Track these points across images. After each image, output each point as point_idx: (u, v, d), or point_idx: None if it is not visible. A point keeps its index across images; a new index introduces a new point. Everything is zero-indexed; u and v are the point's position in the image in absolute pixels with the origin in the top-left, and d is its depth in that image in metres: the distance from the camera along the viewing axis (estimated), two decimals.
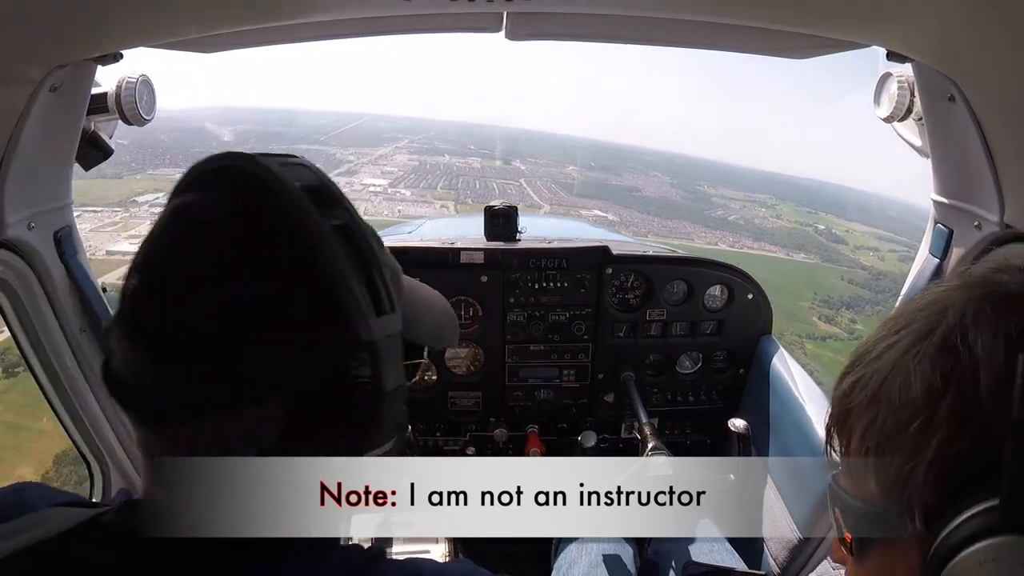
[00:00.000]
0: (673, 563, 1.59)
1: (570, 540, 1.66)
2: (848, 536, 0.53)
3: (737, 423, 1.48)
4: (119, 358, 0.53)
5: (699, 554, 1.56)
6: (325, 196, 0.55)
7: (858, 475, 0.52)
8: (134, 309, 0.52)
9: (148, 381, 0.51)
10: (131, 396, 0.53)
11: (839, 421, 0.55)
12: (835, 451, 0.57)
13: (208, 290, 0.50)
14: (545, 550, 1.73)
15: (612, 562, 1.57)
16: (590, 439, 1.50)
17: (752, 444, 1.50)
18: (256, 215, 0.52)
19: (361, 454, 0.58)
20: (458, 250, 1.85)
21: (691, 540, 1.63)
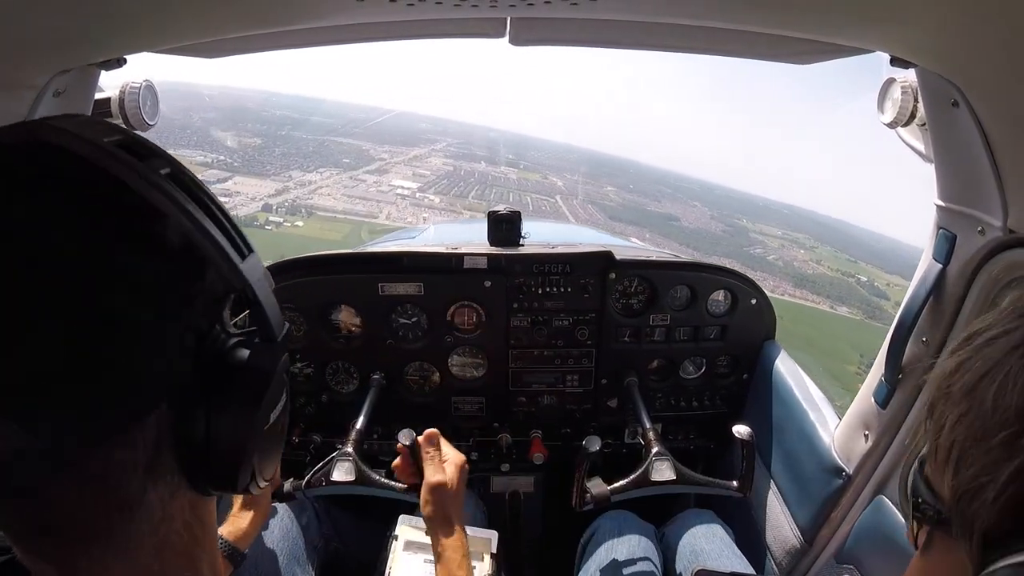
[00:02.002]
0: (678, 548, 1.64)
1: (600, 516, 1.71)
2: (916, 526, 0.51)
3: (741, 430, 1.48)
4: None
5: (707, 556, 1.56)
6: (139, 148, 0.47)
7: (939, 468, 0.48)
8: None
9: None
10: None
11: (935, 402, 0.50)
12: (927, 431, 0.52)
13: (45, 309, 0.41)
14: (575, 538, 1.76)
15: (635, 537, 1.62)
16: (594, 443, 1.49)
17: (756, 450, 1.50)
18: (71, 195, 0.43)
19: (259, 424, 0.51)
20: (462, 255, 1.85)
21: (697, 532, 1.63)
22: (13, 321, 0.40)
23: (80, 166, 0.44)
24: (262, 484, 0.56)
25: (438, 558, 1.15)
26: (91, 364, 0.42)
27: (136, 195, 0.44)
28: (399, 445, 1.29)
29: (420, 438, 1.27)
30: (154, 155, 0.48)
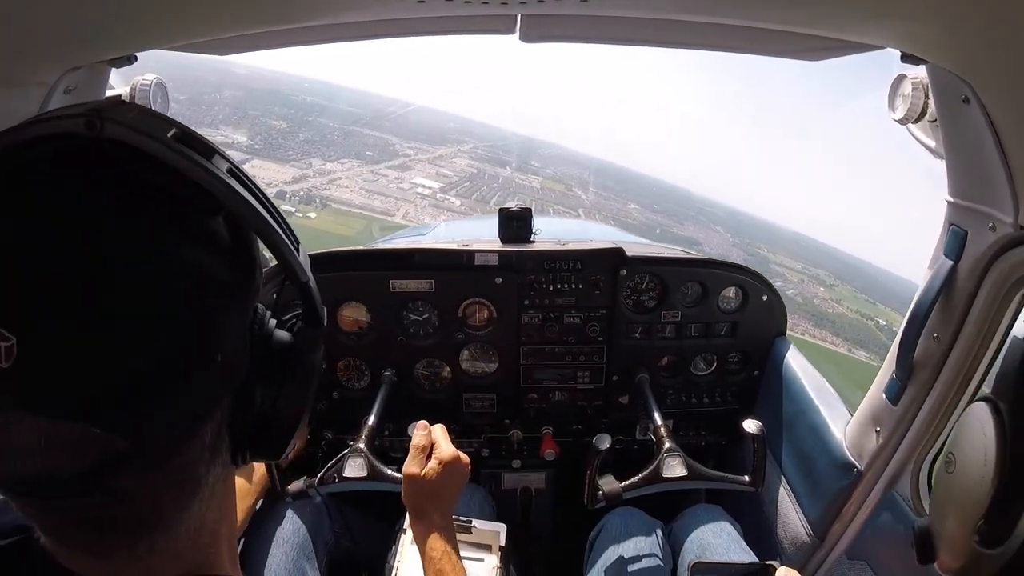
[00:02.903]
0: (686, 543, 1.64)
1: (608, 513, 1.71)
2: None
3: (751, 425, 1.48)
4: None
5: (715, 551, 1.56)
6: (197, 144, 0.48)
7: None
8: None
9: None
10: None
11: None
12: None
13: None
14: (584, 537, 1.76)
15: (643, 534, 1.62)
16: (604, 441, 1.49)
17: (767, 445, 1.50)
18: (136, 193, 0.44)
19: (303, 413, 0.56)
20: (472, 252, 1.85)
21: (705, 528, 1.63)
22: (105, 328, 0.41)
23: (151, 165, 0.44)
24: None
25: (421, 554, 1.14)
26: (182, 363, 0.43)
27: (206, 193, 0.45)
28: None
29: (414, 428, 1.25)
30: (213, 151, 0.48)
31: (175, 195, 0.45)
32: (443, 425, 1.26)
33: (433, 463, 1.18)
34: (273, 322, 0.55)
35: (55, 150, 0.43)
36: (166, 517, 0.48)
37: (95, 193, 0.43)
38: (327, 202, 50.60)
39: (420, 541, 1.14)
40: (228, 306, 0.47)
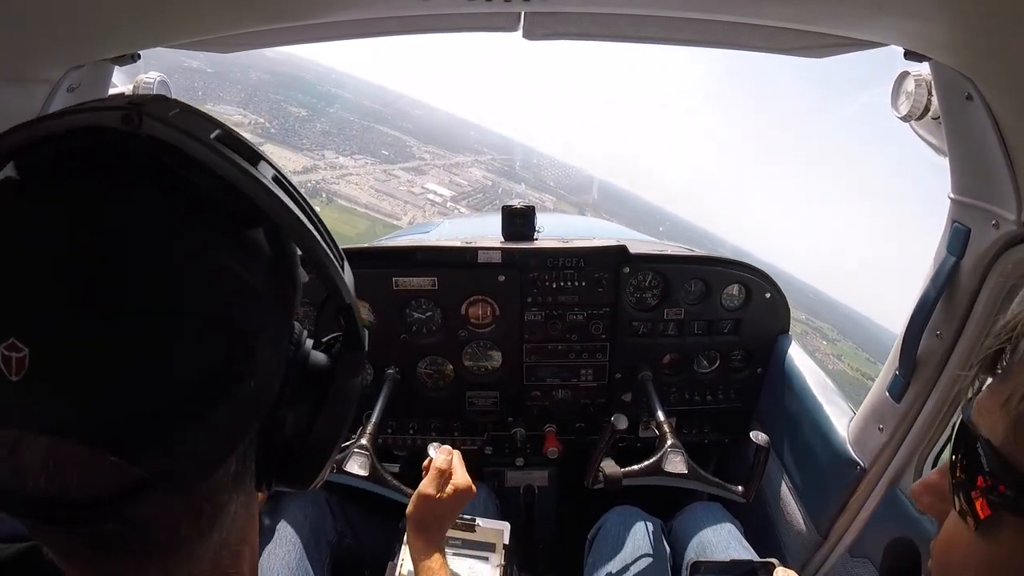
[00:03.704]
0: (686, 541, 1.64)
1: (608, 511, 1.71)
2: (984, 505, 0.47)
3: (759, 436, 1.49)
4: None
5: (714, 549, 1.56)
6: (242, 148, 0.44)
7: (1000, 415, 0.45)
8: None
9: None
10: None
11: (997, 354, 0.48)
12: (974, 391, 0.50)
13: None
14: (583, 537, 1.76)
15: (641, 531, 1.62)
16: (622, 421, 1.48)
17: (771, 445, 1.50)
18: (183, 198, 0.40)
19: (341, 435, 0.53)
20: (475, 249, 1.85)
21: (705, 526, 1.64)
22: (130, 344, 0.36)
23: (191, 167, 0.41)
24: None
25: (416, 564, 1.16)
26: (214, 386, 0.39)
27: (247, 201, 0.42)
28: (426, 462, 1.28)
29: (435, 452, 1.28)
30: (259, 156, 0.45)
31: (214, 201, 0.41)
32: (460, 454, 1.29)
33: (449, 488, 1.20)
34: (310, 343, 0.51)
35: (88, 144, 0.40)
36: (184, 544, 0.45)
37: (127, 192, 0.40)
38: (333, 197, 49.41)
39: (418, 553, 1.17)
40: (265, 326, 0.43)
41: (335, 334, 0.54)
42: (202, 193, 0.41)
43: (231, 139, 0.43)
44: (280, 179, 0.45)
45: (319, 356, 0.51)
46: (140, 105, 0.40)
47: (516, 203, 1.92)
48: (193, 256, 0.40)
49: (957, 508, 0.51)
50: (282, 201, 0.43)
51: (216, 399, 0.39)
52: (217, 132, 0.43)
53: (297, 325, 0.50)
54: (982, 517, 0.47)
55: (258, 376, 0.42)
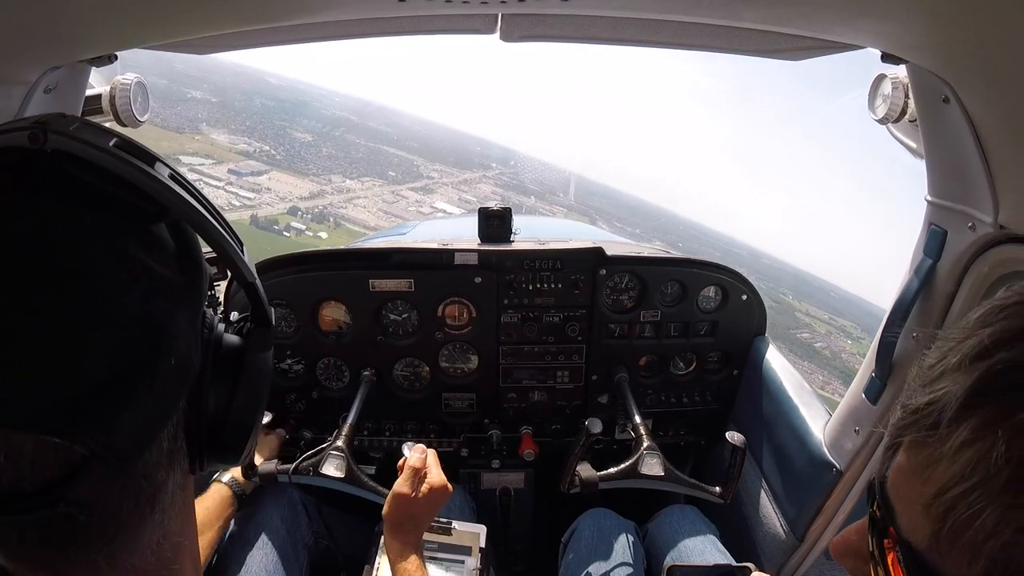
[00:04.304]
0: (662, 545, 1.65)
1: (581, 515, 1.72)
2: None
3: (735, 437, 1.49)
4: None
5: (691, 553, 1.57)
6: (134, 150, 0.48)
7: (951, 537, 0.43)
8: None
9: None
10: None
11: (917, 421, 0.46)
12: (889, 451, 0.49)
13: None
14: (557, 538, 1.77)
15: (615, 535, 1.63)
16: (596, 425, 1.48)
17: (747, 449, 1.50)
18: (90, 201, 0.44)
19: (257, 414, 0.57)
20: (452, 251, 1.85)
21: (681, 529, 1.64)
22: (56, 336, 0.40)
23: (96, 174, 0.44)
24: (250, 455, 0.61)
25: (392, 565, 1.17)
26: (137, 367, 0.43)
27: (149, 198, 0.46)
28: (401, 461, 1.29)
29: (409, 451, 1.29)
30: (155, 158, 0.48)
31: (120, 201, 0.45)
32: (435, 452, 1.30)
33: (424, 487, 1.21)
34: (223, 326, 0.56)
35: (2, 164, 0.44)
36: (127, 526, 0.47)
37: (42, 203, 0.43)
38: (341, 221, 49.12)
39: (394, 554, 1.17)
40: (178, 308, 0.47)
41: (244, 315, 0.58)
42: (108, 196, 0.45)
43: (128, 145, 0.47)
44: (176, 177, 0.49)
45: (232, 337, 0.56)
46: (45, 124, 0.44)
47: (492, 205, 1.92)
48: (104, 252, 0.44)
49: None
50: (178, 195, 0.47)
51: (142, 377, 0.44)
52: (115, 140, 0.46)
53: (209, 310, 0.54)
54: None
55: (178, 355, 0.46)
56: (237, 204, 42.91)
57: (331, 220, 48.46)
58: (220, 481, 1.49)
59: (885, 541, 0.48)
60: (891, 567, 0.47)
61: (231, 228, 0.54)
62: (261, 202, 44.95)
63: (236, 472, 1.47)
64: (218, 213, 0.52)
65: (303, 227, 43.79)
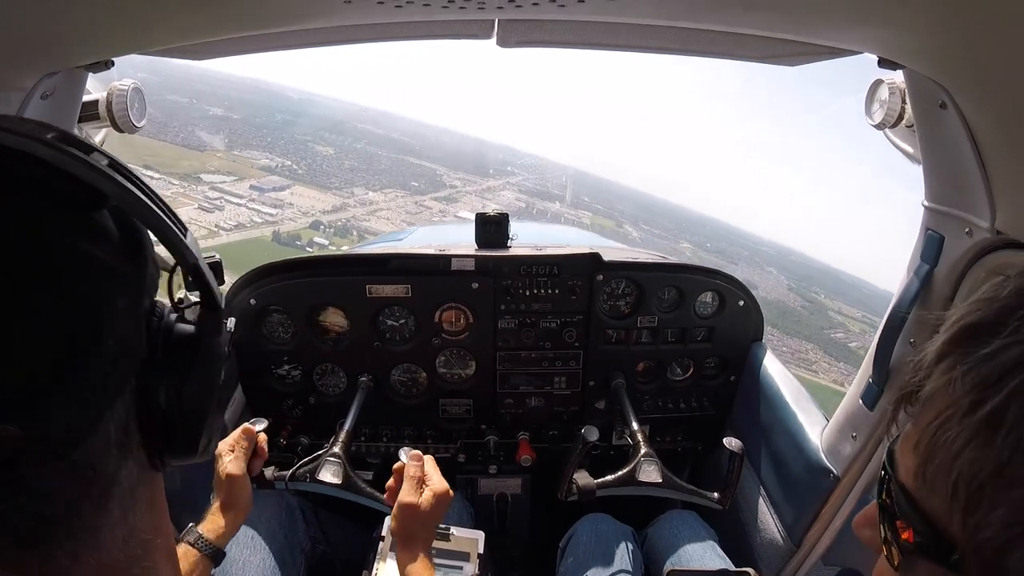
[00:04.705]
0: (661, 550, 1.65)
1: (579, 520, 1.71)
2: (899, 550, 0.48)
3: (732, 442, 1.49)
4: None
5: (690, 558, 1.57)
6: (73, 141, 0.48)
7: (936, 493, 0.45)
8: None
9: None
10: None
11: (910, 394, 0.49)
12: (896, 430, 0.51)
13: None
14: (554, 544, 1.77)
15: (613, 540, 1.62)
16: (592, 433, 1.48)
17: (746, 460, 1.50)
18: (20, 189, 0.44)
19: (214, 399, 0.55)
20: (449, 257, 1.85)
21: (680, 534, 1.64)
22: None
23: (28, 163, 0.44)
24: (212, 449, 0.60)
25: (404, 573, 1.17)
26: (72, 354, 0.43)
27: (86, 185, 0.46)
28: (397, 464, 1.28)
29: (406, 457, 1.28)
30: (93, 148, 0.49)
31: (57, 191, 0.45)
32: (432, 458, 1.29)
33: (428, 494, 1.21)
34: (175, 316, 0.55)
35: None
36: (82, 522, 0.47)
37: None
38: (364, 234, 48.32)
39: (406, 566, 1.17)
40: (117, 292, 0.47)
41: (194, 301, 0.57)
42: (44, 185, 0.45)
43: (67, 137, 0.47)
44: (117, 165, 0.49)
45: (185, 327, 0.54)
46: None
47: (490, 211, 1.91)
48: (41, 240, 0.44)
49: (883, 545, 0.52)
50: (116, 181, 0.47)
51: (76, 362, 0.43)
52: (53, 134, 0.47)
53: (160, 301, 0.54)
54: (896, 562, 0.48)
55: (115, 340, 0.46)
56: (259, 220, 42.16)
57: (354, 233, 48.10)
58: (185, 542, 1.24)
59: (886, 495, 0.51)
60: (889, 511, 0.50)
61: (172, 213, 0.53)
62: (283, 217, 44.38)
63: (207, 528, 1.25)
64: (160, 200, 0.52)
65: (326, 242, 43.20)
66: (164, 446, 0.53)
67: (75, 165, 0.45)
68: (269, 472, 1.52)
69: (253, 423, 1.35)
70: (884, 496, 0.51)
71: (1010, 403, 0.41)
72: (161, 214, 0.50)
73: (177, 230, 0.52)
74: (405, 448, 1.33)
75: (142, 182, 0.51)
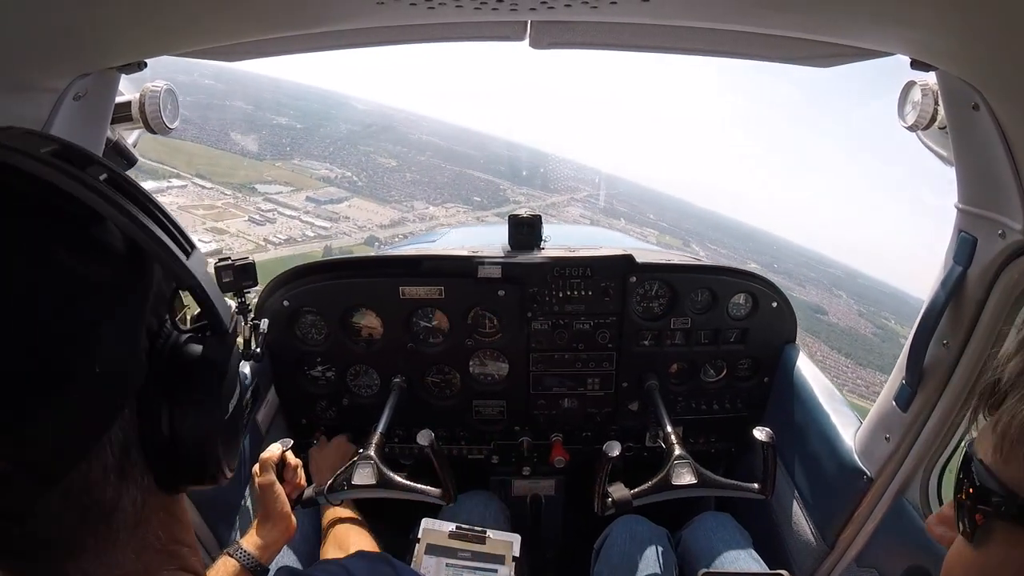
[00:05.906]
0: (696, 553, 1.65)
1: (613, 522, 1.72)
2: (979, 517, 0.50)
3: (760, 432, 1.48)
4: None
5: (724, 561, 1.55)
6: (76, 157, 0.47)
7: (1007, 453, 0.48)
8: None
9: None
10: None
11: (993, 384, 0.52)
12: (982, 418, 0.54)
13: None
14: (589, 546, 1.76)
15: (648, 542, 1.63)
16: (614, 448, 1.49)
17: (779, 462, 1.49)
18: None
19: (219, 418, 0.53)
20: (475, 264, 1.85)
21: (715, 536, 1.62)
22: None
23: (21, 179, 0.43)
24: (228, 474, 0.57)
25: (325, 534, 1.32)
26: (58, 376, 0.41)
27: (79, 202, 0.44)
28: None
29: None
30: (92, 162, 0.47)
31: (51, 208, 0.44)
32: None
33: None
34: (184, 337, 0.52)
35: None
36: (84, 544, 0.46)
37: None
38: None
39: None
40: (108, 315, 0.45)
41: (201, 323, 0.54)
42: (38, 202, 0.44)
43: (67, 150, 0.46)
44: (116, 180, 0.47)
45: (194, 347, 0.52)
46: None
47: (523, 212, 1.92)
48: (23, 258, 0.42)
49: (959, 527, 0.54)
50: (108, 197, 0.45)
51: (57, 386, 0.41)
52: (52, 147, 0.45)
53: (169, 322, 0.52)
54: (978, 525, 0.50)
55: (104, 363, 0.44)
56: (311, 235, 40.67)
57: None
58: (227, 554, 1.25)
59: (964, 475, 0.53)
60: (967, 489, 0.52)
61: (178, 230, 0.51)
62: (337, 231, 43.09)
63: (248, 542, 1.25)
64: (162, 215, 0.50)
65: None
66: (171, 471, 0.51)
67: (64, 180, 0.44)
68: (309, 490, 1.53)
69: (273, 448, 1.39)
70: (961, 476, 0.53)
71: None
72: (160, 232, 0.48)
73: (179, 248, 0.50)
74: (424, 432, 1.43)
75: (147, 197, 0.49)
